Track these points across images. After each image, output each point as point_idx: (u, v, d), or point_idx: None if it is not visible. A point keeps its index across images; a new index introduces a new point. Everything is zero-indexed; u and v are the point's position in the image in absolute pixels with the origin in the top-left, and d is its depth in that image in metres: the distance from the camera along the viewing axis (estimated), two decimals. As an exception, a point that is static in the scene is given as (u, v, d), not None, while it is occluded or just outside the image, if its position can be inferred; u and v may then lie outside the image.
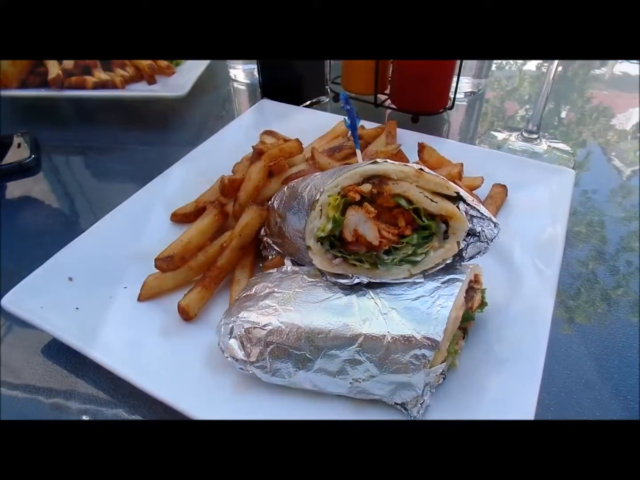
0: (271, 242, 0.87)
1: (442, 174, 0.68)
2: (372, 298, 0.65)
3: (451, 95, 1.40)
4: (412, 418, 0.63)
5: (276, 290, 0.70)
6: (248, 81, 1.74)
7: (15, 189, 1.24)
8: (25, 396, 0.75)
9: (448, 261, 0.67)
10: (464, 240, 0.66)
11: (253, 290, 0.72)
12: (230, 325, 0.68)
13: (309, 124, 1.25)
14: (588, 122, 1.51)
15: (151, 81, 1.57)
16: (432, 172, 0.66)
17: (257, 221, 0.86)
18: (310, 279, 0.71)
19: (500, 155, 1.15)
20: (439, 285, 0.65)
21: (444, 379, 0.66)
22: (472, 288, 0.70)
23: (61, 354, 0.80)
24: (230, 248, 0.84)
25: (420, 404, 0.62)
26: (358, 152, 0.88)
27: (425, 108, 1.39)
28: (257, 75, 1.48)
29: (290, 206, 0.76)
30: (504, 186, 1.01)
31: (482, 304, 0.74)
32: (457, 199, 0.66)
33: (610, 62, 1.90)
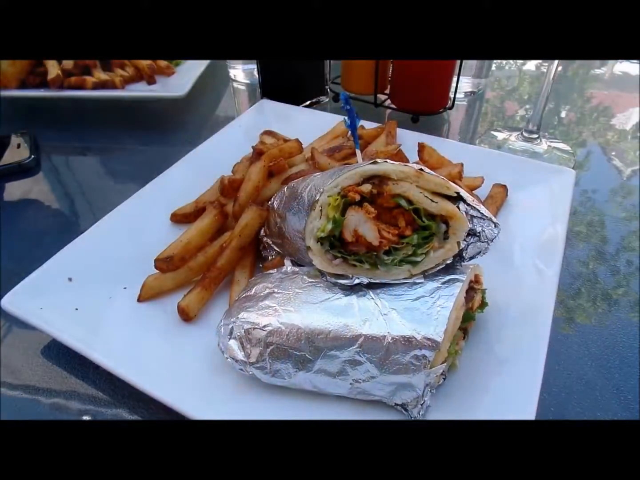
0: (271, 242, 0.87)
1: (442, 174, 0.68)
2: (372, 298, 0.65)
3: (451, 95, 1.40)
4: (413, 419, 0.62)
5: (276, 290, 0.70)
6: (248, 81, 1.74)
7: (14, 189, 1.24)
8: (25, 397, 0.75)
9: (448, 261, 0.67)
10: (464, 240, 0.66)
11: (253, 291, 0.72)
12: (230, 326, 0.68)
13: (309, 124, 1.25)
14: (588, 121, 1.51)
15: (151, 81, 1.57)
16: (432, 172, 0.66)
17: (257, 221, 0.85)
18: (310, 280, 0.71)
19: (501, 155, 1.15)
20: (439, 285, 0.65)
21: (444, 379, 0.66)
22: (473, 288, 0.70)
23: (61, 354, 0.80)
24: (230, 248, 0.83)
25: (421, 404, 0.62)
26: (358, 152, 0.88)
27: (425, 108, 1.39)
28: (257, 75, 1.48)
29: (290, 206, 0.76)
30: (504, 186, 1.01)
31: (483, 304, 0.74)
32: (457, 199, 0.66)
33: (610, 62, 1.90)
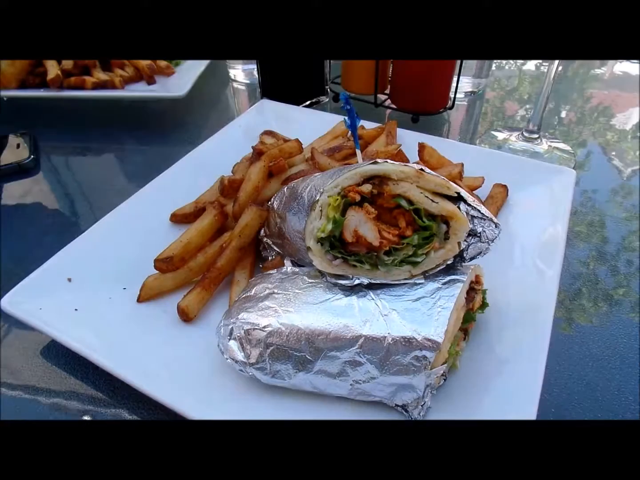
0: (271, 242, 0.87)
1: (442, 174, 0.68)
2: (373, 299, 0.65)
3: (451, 95, 1.40)
4: (413, 419, 0.62)
5: (276, 291, 0.70)
6: (248, 81, 1.74)
7: (14, 189, 1.24)
8: (25, 397, 0.75)
9: (449, 262, 0.66)
10: (465, 240, 0.66)
11: (253, 291, 0.72)
12: (230, 327, 0.67)
13: (308, 124, 1.25)
14: (588, 121, 1.51)
15: (150, 81, 1.57)
16: (432, 172, 0.65)
17: (257, 222, 0.85)
18: (310, 280, 0.70)
19: (501, 155, 1.15)
20: (440, 286, 0.65)
21: (445, 380, 0.66)
22: (473, 289, 0.70)
23: (60, 355, 0.80)
24: (229, 249, 0.83)
25: (421, 405, 0.62)
26: (358, 152, 0.88)
27: (425, 108, 1.39)
28: (257, 75, 1.48)
29: (290, 207, 0.76)
30: (504, 186, 1.01)
31: (483, 304, 0.74)
32: (457, 199, 0.66)
33: (610, 62, 1.90)
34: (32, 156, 1.30)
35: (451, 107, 1.42)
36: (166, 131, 1.48)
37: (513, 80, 1.81)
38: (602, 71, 1.86)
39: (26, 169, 1.29)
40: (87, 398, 0.74)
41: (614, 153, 1.33)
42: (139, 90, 1.55)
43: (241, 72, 1.74)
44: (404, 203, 0.63)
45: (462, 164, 1.00)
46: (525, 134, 1.28)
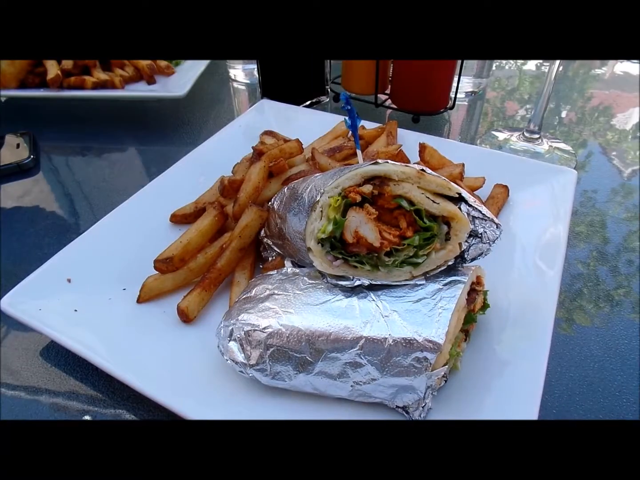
0: (271, 243, 0.86)
1: (443, 175, 0.68)
2: (373, 300, 0.65)
3: (452, 95, 1.40)
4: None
5: (276, 292, 0.70)
6: (248, 81, 1.74)
7: (14, 189, 1.24)
8: (25, 397, 0.75)
9: (450, 263, 0.66)
10: (466, 241, 0.66)
11: (253, 292, 0.71)
12: (230, 328, 0.67)
13: (309, 124, 1.24)
14: (589, 121, 1.51)
15: (150, 81, 1.57)
16: (433, 172, 0.65)
17: (257, 222, 0.85)
18: (310, 281, 0.70)
19: (502, 155, 1.15)
20: (441, 287, 0.65)
21: (446, 381, 0.66)
22: (474, 290, 0.69)
23: (60, 356, 0.80)
24: (230, 249, 0.83)
25: (422, 407, 0.61)
26: (359, 152, 0.88)
27: (426, 108, 1.39)
28: (257, 75, 1.48)
29: (290, 207, 0.76)
30: (505, 186, 1.00)
31: (484, 305, 0.73)
32: (458, 199, 0.66)
33: (611, 62, 1.90)
34: (31, 156, 1.30)
35: (452, 107, 1.42)
36: (166, 131, 1.48)
37: (514, 80, 1.80)
38: (603, 71, 1.86)
39: (26, 169, 1.28)
40: (86, 399, 0.74)
41: (614, 153, 1.33)
42: (139, 90, 1.55)
43: (241, 72, 1.74)
44: (404, 204, 0.63)
45: (463, 165, 1.00)
46: (526, 134, 1.28)
